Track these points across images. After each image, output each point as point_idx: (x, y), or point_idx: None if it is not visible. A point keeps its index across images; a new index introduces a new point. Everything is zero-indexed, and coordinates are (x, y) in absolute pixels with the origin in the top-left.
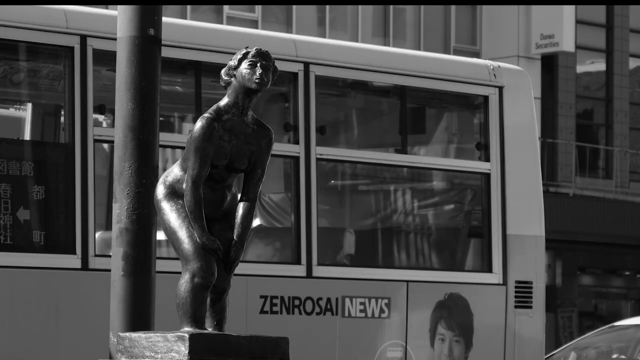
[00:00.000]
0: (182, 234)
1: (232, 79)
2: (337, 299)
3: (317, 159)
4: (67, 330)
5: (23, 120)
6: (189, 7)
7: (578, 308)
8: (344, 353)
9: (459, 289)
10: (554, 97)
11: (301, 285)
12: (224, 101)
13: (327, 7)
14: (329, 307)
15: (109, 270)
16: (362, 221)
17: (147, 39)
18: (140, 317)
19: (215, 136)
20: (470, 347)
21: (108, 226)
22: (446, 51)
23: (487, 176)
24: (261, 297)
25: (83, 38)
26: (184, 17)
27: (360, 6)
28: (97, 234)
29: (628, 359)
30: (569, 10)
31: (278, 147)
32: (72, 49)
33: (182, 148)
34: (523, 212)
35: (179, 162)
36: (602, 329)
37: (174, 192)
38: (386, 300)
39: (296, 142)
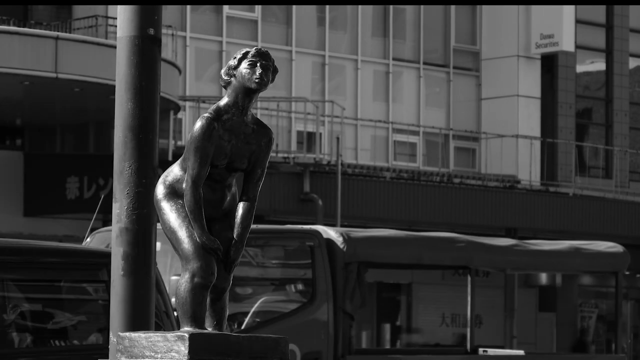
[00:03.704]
0: (182, 233)
1: (232, 79)
2: None
3: None
4: None
5: None
6: (188, 7)
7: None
8: None
9: None
10: (554, 96)
11: None
12: (224, 101)
13: (327, 6)
14: None
15: None
16: None
17: (147, 39)
18: (140, 317)
19: (215, 136)
20: None
21: None
22: (446, 51)
23: None
24: None
25: None
26: (183, 17)
27: (360, 6)
28: None
29: None
30: (568, 10)
31: None
32: None
33: None
34: None
35: (178, 161)
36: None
37: (173, 192)
38: None
39: None
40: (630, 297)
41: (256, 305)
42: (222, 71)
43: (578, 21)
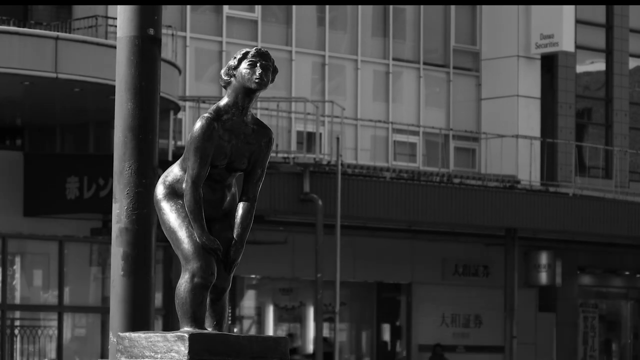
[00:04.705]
0: (182, 234)
1: (232, 79)
2: None
3: None
4: None
5: None
6: (188, 7)
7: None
8: None
9: None
10: (554, 97)
11: None
12: (224, 101)
13: (327, 6)
14: None
15: None
16: None
17: (147, 39)
18: (140, 317)
19: (214, 136)
20: None
21: None
22: (446, 51)
23: None
24: None
25: None
26: (183, 17)
27: (360, 6)
28: None
29: None
30: (568, 10)
31: None
32: None
33: None
34: None
35: (178, 161)
36: None
37: (173, 192)
38: None
39: None
40: (630, 297)
41: None
42: (222, 71)
43: (578, 21)
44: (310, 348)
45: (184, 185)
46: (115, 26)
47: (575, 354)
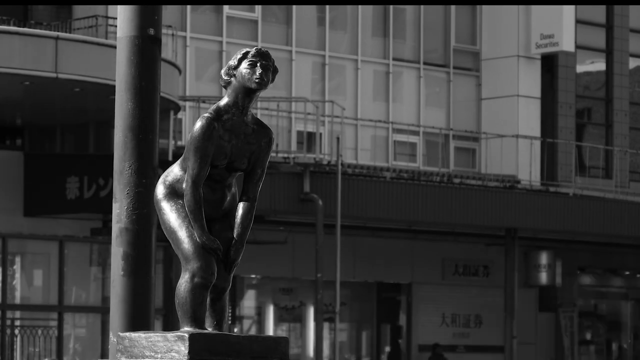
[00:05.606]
0: (182, 233)
1: (232, 79)
2: None
3: None
4: None
5: None
6: (188, 7)
7: (578, 308)
8: None
9: None
10: (554, 96)
11: None
12: (224, 101)
13: (327, 6)
14: None
15: None
16: None
17: (147, 39)
18: (140, 317)
19: (215, 136)
20: None
21: None
22: (446, 51)
23: None
24: None
25: None
26: (183, 17)
27: (360, 6)
28: None
29: None
30: (568, 10)
31: None
32: None
33: None
34: None
35: (178, 161)
36: None
37: (174, 192)
38: None
39: None
40: (630, 297)
41: None
42: (222, 71)
43: (578, 21)
44: (310, 349)
45: (184, 185)
46: (115, 26)
47: (572, 352)
